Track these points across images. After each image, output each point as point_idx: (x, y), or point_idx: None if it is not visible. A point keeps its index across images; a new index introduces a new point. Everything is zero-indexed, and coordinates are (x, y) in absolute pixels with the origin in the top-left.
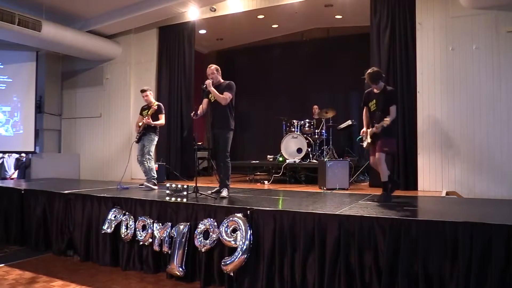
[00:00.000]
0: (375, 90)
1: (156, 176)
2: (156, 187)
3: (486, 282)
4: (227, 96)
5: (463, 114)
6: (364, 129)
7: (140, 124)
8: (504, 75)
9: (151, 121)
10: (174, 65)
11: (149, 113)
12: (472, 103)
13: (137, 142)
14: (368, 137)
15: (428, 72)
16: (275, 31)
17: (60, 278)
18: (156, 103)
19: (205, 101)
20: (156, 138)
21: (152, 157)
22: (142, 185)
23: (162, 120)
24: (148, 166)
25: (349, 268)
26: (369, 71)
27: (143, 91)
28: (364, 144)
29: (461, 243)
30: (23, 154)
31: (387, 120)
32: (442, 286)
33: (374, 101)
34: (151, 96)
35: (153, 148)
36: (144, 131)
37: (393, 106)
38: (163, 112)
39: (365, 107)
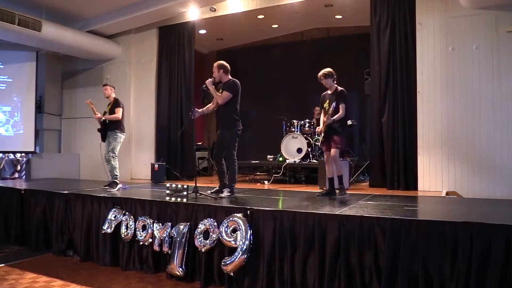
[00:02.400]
0: (329, 92)
1: (118, 175)
2: (118, 187)
3: (486, 282)
4: (224, 95)
5: (463, 114)
6: (320, 127)
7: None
8: (504, 75)
9: (102, 117)
10: (174, 65)
11: (107, 109)
12: (472, 103)
13: (103, 140)
14: (322, 134)
15: (428, 72)
16: (275, 31)
17: (60, 278)
18: (114, 96)
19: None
20: (122, 136)
21: (117, 155)
22: (106, 186)
23: (117, 114)
24: (112, 164)
25: (349, 268)
26: (324, 69)
27: (104, 84)
28: (319, 142)
29: (461, 243)
30: (18, 154)
31: (338, 115)
32: (442, 286)
33: (327, 101)
34: (111, 91)
35: (118, 146)
36: (106, 128)
37: (343, 105)
38: (120, 106)
39: (322, 110)
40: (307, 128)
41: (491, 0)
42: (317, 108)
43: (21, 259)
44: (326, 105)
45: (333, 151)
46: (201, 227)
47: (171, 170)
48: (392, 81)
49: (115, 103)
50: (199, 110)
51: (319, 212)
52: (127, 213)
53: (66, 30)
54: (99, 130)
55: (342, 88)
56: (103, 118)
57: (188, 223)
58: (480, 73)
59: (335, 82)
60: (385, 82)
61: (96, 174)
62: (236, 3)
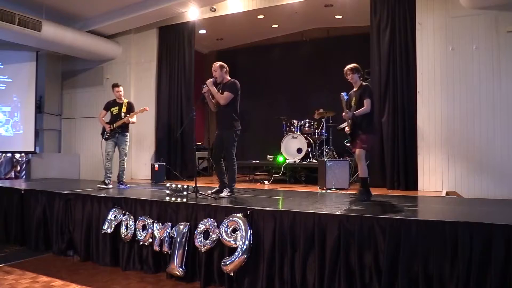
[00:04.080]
0: (354, 89)
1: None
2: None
3: (486, 282)
4: (226, 96)
5: (463, 114)
6: (347, 128)
7: (104, 120)
8: (504, 75)
9: (132, 120)
10: (174, 65)
11: (124, 110)
12: (472, 103)
13: (108, 138)
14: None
15: (428, 72)
16: (275, 31)
17: (60, 278)
18: (127, 100)
19: None
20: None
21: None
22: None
23: (135, 118)
24: (124, 167)
25: (349, 268)
26: (351, 64)
27: (118, 85)
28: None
29: (461, 243)
30: (17, 155)
31: (361, 109)
32: (442, 286)
33: (354, 99)
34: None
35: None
36: (120, 130)
37: (367, 100)
38: (135, 110)
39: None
40: (307, 128)
41: (491, 0)
42: (321, 110)
43: (21, 259)
44: (353, 103)
45: (357, 151)
46: (201, 227)
47: (171, 170)
48: (392, 81)
49: (132, 106)
50: (205, 93)
51: (319, 212)
52: (127, 213)
53: (66, 30)
54: (112, 130)
55: (367, 83)
56: (132, 122)
57: (188, 223)
58: (480, 73)
59: (361, 78)
60: (385, 82)
61: (96, 174)
62: (236, 3)
